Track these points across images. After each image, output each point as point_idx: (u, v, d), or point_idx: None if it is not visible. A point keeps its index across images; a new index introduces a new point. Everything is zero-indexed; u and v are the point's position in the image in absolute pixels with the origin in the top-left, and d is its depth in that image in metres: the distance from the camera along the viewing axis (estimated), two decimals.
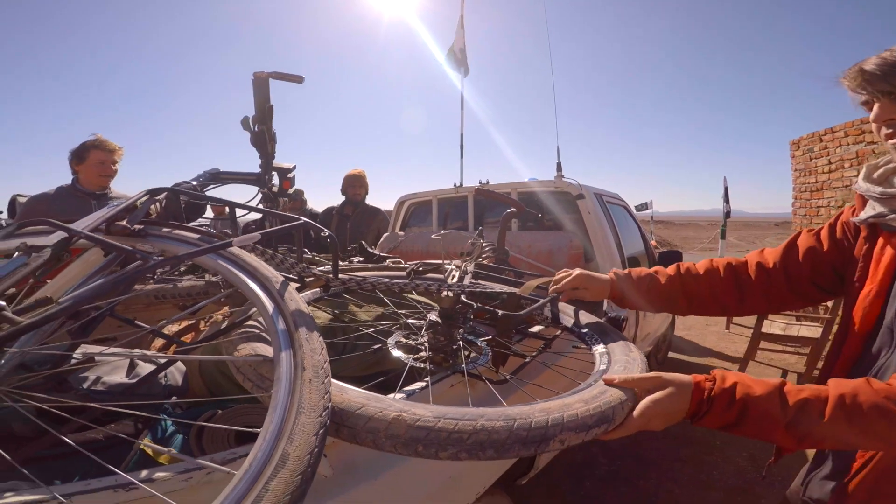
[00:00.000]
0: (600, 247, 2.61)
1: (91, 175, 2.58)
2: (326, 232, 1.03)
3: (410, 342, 1.26)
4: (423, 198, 3.72)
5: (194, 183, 1.49)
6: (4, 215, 8.75)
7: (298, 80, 1.52)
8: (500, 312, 1.18)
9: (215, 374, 1.32)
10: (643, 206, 10.10)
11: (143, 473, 0.73)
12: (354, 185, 3.87)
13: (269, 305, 0.84)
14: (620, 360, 1.04)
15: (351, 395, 0.76)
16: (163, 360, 1.14)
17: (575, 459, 2.62)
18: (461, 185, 3.46)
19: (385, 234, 3.44)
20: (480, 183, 3.08)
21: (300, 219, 1.01)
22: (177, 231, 1.08)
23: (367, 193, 3.97)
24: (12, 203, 8.68)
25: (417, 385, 1.09)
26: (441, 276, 1.72)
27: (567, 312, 1.52)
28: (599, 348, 1.17)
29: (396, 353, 1.18)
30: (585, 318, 1.45)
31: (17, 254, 0.88)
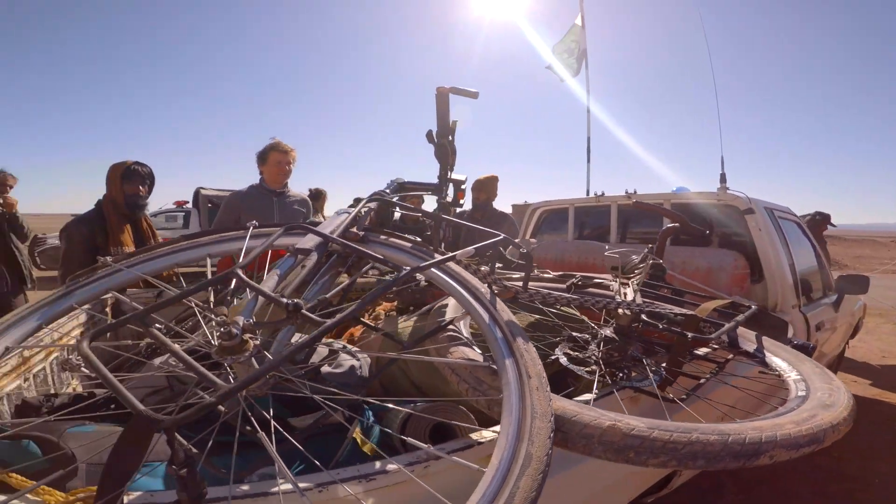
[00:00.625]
0: (771, 266, 2.37)
1: (272, 174, 2.87)
2: (523, 248, 1.11)
3: (579, 355, 1.30)
4: (557, 206, 3.70)
5: (387, 191, 1.63)
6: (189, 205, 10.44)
7: (474, 95, 1.58)
8: (690, 335, 1.16)
9: (394, 371, 1.41)
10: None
11: (378, 464, 0.82)
12: (485, 189, 3.84)
13: (485, 315, 0.94)
14: (822, 388, 1.07)
15: (563, 403, 0.83)
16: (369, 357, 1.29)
17: (702, 485, 2.43)
18: (601, 193, 3.36)
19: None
20: (627, 193, 2.98)
21: (499, 234, 1.10)
22: (392, 239, 1.26)
23: (495, 198, 4.03)
24: (196, 195, 10.30)
25: (587, 396, 1.13)
26: (600, 290, 1.73)
27: (748, 337, 1.47)
28: (793, 375, 1.20)
29: (571, 365, 1.22)
30: (770, 344, 1.42)
31: (287, 255, 1.09)
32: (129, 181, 2.66)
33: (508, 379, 0.79)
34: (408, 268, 0.94)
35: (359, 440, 0.97)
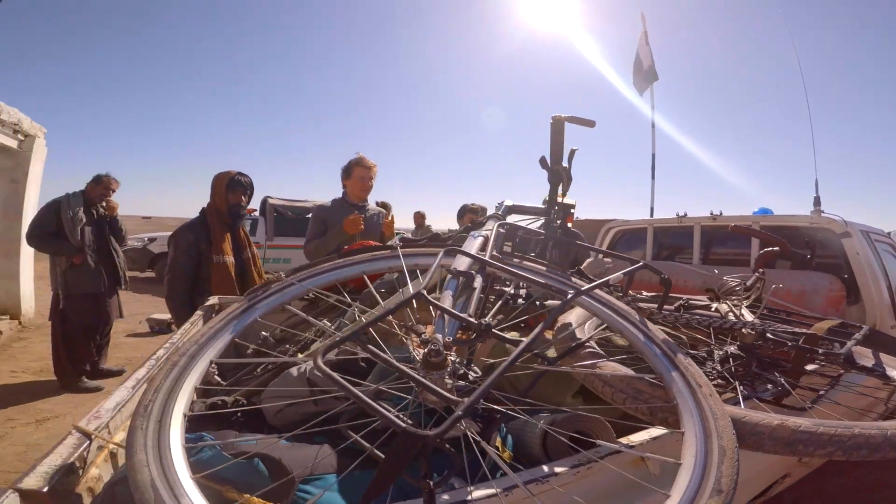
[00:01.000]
0: (869, 289, 2.38)
1: (355, 189, 2.94)
2: (664, 275, 1.23)
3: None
4: (635, 226, 3.76)
5: (500, 214, 1.71)
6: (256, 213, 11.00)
7: (591, 124, 1.60)
8: (821, 350, 1.26)
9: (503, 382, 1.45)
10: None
11: (545, 468, 0.91)
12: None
13: (639, 335, 1.08)
14: None
15: (729, 407, 0.96)
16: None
17: (783, 498, 2.41)
18: (683, 214, 3.41)
19: (588, 260, 3.53)
20: (712, 214, 3.03)
21: (637, 260, 1.24)
22: (525, 262, 1.41)
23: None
24: (264, 203, 10.90)
25: None
26: (705, 311, 1.82)
27: (864, 354, 1.54)
28: None
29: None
30: (887, 359, 1.49)
31: (448, 277, 1.23)
32: (233, 191, 2.79)
33: (679, 388, 0.93)
34: (573, 291, 1.07)
35: (499, 448, 1.02)
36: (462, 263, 1.24)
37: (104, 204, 4.00)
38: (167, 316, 6.09)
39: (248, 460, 0.86)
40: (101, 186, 3.96)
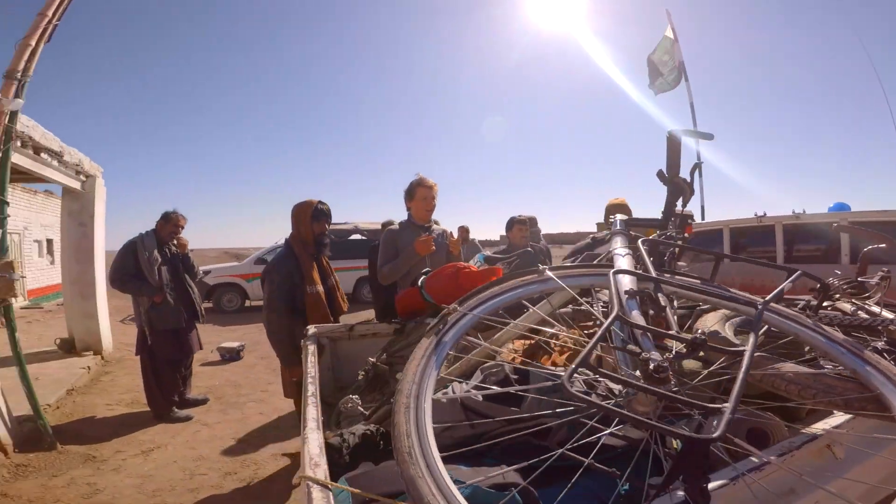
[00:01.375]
0: None
1: (419, 210, 2.94)
2: (823, 280, 1.27)
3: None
4: (708, 227, 3.73)
5: (621, 229, 1.68)
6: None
7: (709, 137, 1.61)
8: None
9: None
10: None
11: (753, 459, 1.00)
12: (626, 212, 3.98)
13: (820, 337, 1.14)
14: None
15: None
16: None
17: None
18: (763, 214, 3.36)
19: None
20: (795, 213, 2.99)
21: (794, 269, 1.26)
22: (678, 276, 1.41)
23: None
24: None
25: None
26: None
27: None
28: None
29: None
30: None
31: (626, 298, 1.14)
32: (317, 220, 2.84)
33: (882, 380, 0.99)
34: (760, 306, 1.11)
35: (675, 446, 1.04)
36: (630, 283, 1.22)
37: (175, 242, 4.15)
38: (235, 344, 6.34)
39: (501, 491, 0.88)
40: (170, 224, 4.09)
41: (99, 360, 5.76)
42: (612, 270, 1.22)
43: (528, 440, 1.07)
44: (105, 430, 3.80)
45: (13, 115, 3.13)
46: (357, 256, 10.89)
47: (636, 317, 1.08)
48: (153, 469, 3.17)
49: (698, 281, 1.37)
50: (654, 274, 1.24)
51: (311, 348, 2.00)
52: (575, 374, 0.88)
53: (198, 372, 5.44)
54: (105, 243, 6.52)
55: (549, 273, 1.36)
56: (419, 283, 2.59)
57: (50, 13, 3.37)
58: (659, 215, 1.73)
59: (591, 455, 0.86)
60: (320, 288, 2.85)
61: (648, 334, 0.99)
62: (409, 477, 0.78)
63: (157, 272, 3.92)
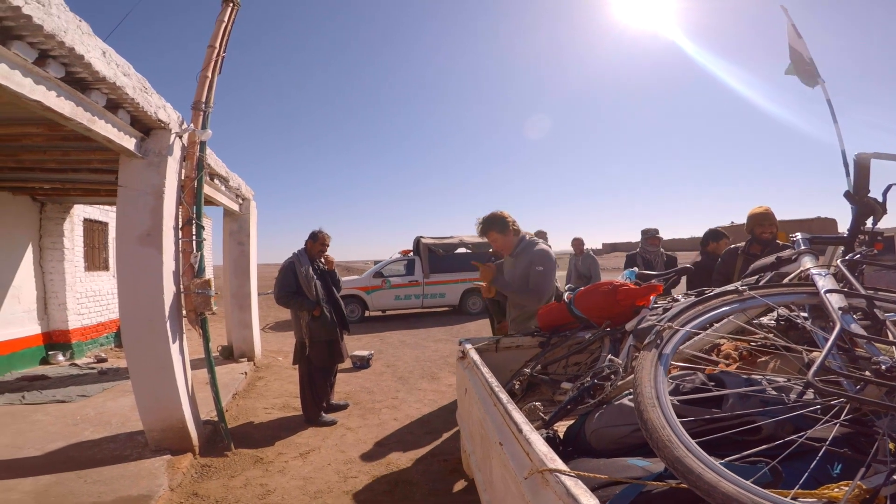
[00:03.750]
0: None
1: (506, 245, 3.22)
2: None
3: None
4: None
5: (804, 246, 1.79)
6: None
7: None
8: None
9: None
10: None
11: None
12: (763, 224, 3.57)
13: None
14: None
15: None
16: None
17: None
18: None
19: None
20: None
21: None
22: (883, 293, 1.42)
23: (776, 231, 3.61)
24: (417, 243, 11.76)
25: None
26: None
27: None
28: None
29: None
30: None
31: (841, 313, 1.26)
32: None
33: None
34: None
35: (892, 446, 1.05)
36: (840, 300, 1.35)
37: (323, 259, 4.46)
38: (365, 353, 6.69)
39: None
40: (318, 243, 4.41)
41: (252, 367, 6.38)
42: (825, 290, 1.39)
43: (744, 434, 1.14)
44: (266, 432, 4.13)
45: (202, 144, 3.58)
46: (463, 269, 11.13)
47: (856, 328, 1.23)
48: (312, 471, 3.35)
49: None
50: (863, 291, 1.39)
51: (477, 359, 2.02)
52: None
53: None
54: (260, 261, 7.31)
55: (751, 292, 1.48)
56: (566, 298, 2.54)
57: (217, 44, 3.74)
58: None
59: (828, 442, 0.96)
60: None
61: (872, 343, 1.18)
62: (675, 457, 0.90)
63: (313, 288, 4.25)
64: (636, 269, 2.91)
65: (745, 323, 1.53)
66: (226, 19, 3.84)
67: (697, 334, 1.45)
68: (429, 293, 11.49)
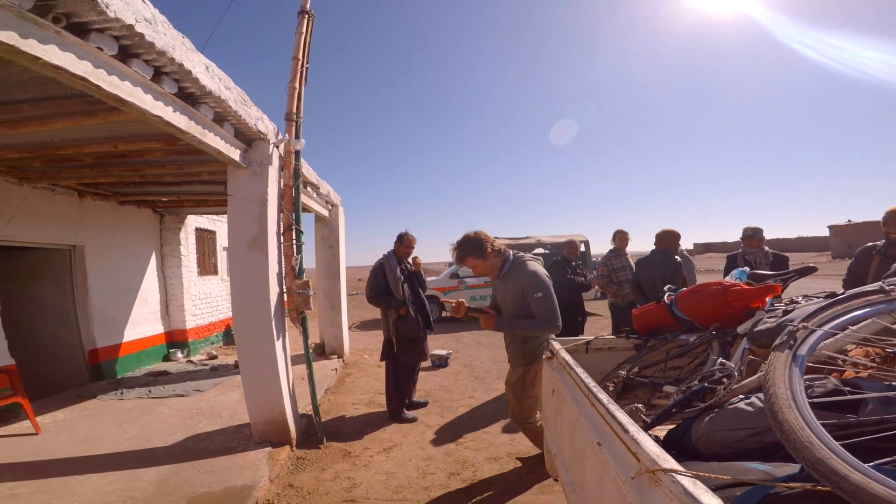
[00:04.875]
0: None
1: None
2: None
3: None
4: None
5: None
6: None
7: None
8: None
9: None
10: None
11: None
12: (889, 224, 3.29)
13: None
14: None
15: None
16: None
17: None
18: None
19: None
20: None
21: None
22: None
23: None
24: None
25: None
26: None
27: None
28: None
29: None
30: None
31: None
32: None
33: None
34: None
35: None
36: None
37: (410, 261, 4.63)
38: (444, 352, 6.79)
39: None
40: (404, 245, 4.55)
41: (342, 364, 6.70)
42: None
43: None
44: (354, 427, 4.31)
45: (297, 154, 3.82)
46: None
47: None
48: (394, 466, 3.44)
49: None
50: None
51: (570, 359, 1.96)
52: None
53: None
54: (348, 264, 7.70)
55: None
56: (666, 299, 2.38)
57: (300, 56, 3.93)
58: None
59: None
60: None
61: None
62: (816, 459, 0.87)
63: (401, 288, 4.40)
64: (748, 269, 2.64)
65: (891, 324, 1.37)
66: (304, 31, 4.02)
67: (835, 335, 1.34)
68: None
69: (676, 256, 4.88)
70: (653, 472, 0.95)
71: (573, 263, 5.58)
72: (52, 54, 1.87)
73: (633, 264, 5.68)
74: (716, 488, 0.95)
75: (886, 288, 1.37)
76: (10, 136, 3.28)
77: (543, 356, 2.52)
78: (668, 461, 0.97)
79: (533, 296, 2.82)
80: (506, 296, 2.97)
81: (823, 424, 0.97)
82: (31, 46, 1.79)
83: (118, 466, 3.28)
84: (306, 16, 4.09)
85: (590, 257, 12.09)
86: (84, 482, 3.05)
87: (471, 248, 2.94)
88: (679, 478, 0.89)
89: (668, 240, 4.91)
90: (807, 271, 2.50)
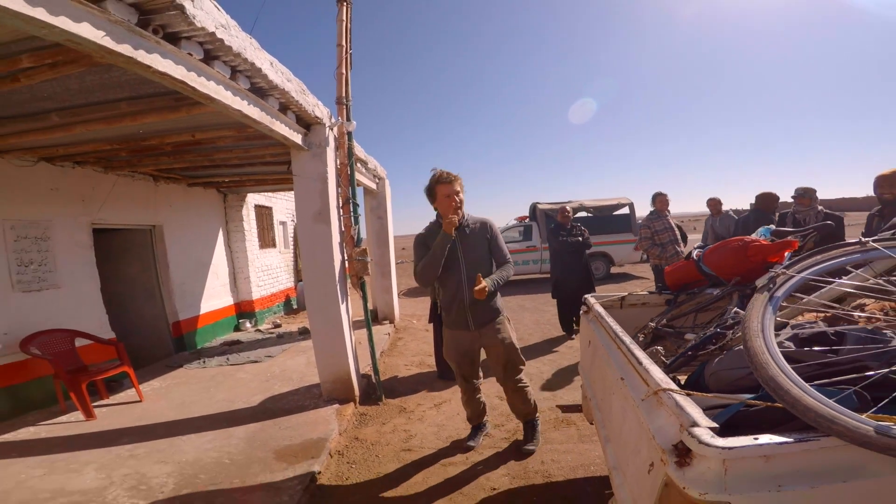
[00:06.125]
0: None
1: (445, 209, 2.89)
2: None
3: None
4: None
5: None
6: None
7: None
8: None
9: None
10: None
11: None
12: (882, 186, 3.36)
13: None
14: None
15: None
16: None
17: None
18: None
19: None
20: None
21: None
22: None
23: None
24: (533, 209, 11.67)
25: None
26: None
27: None
28: None
29: None
30: None
31: None
32: None
33: None
34: None
35: None
36: None
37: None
38: None
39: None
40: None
41: (393, 328, 7.17)
42: None
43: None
44: (408, 386, 4.72)
45: (349, 135, 4.15)
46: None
47: None
48: (444, 419, 3.80)
49: None
50: None
51: (602, 311, 2.18)
52: None
53: None
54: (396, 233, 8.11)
55: (874, 244, 1.49)
56: (694, 256, 2.53)
57: (344, 42, 4.11)
58: None
59: None
60: None
61: None
62: (769, 376, 1.03)
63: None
64: (772, 226, 2.77)
65: (874, 277, 1.51)
66: (344, 18, 4.19)
67: (816, 282, 1.49)
68: (547, 258, 11.42)
69: (773, 216, 5.06)
70: (656, 393, 1.18)
71: (568, 227, 5.85)
72: (158, 62, 2.22)
73: (674, 225, 5.76)
74: (707, 408, 1.15)
75: (863, 241, 1.51)
76: (106, 131, 3.76)
77: (582, 311, 2.69)
78: (670, 384, 1.19)
79: (497, 240, 2.98)
80: (476, 247, 2.95)
81: (802, 366, 1.14)
82: (143, 56, 2.13)
83: (212, 427, 3.74)
84: (345, 3, 4.25)
85: (634, 220, 11.87)
86: (187, 441, 3.48)
87: (457, 177, 2.91)
88: (674, 395, 1.12)
89: (765, 200, 5.18)
90: (823, 228, 2.63)
